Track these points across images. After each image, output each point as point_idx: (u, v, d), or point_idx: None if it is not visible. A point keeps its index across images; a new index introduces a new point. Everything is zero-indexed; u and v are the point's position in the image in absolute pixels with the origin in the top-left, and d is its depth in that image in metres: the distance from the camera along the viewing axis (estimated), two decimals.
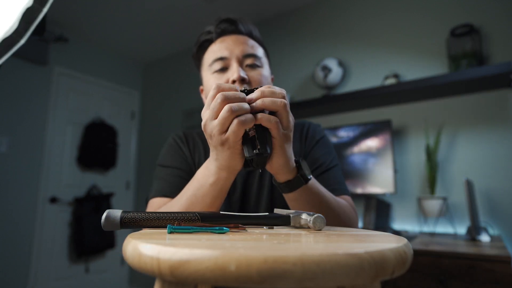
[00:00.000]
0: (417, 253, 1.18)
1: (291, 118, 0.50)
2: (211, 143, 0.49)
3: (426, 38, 1.81)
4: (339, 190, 0.70)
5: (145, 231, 0.43)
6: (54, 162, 2.59)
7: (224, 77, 0.68)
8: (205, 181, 0.54)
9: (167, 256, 0.28)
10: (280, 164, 0.52)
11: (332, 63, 1.99)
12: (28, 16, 0.50)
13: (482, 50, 1.60)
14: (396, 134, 1.83)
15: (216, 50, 0.71)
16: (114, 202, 2.96)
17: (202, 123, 0.48)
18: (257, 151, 0.48)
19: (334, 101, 1.85)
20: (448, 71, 1.70)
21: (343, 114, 2.05)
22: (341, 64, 1.99)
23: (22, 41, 0.51)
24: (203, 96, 0.78)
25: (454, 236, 1.49)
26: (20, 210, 2.35)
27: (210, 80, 0.71)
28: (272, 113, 0.49)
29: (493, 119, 1.59)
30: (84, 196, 2.67)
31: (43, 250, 2.45)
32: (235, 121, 0.44)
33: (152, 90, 3.32)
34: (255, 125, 0.47)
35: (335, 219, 0.60)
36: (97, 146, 2.80)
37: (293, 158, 0.54)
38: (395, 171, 1.68)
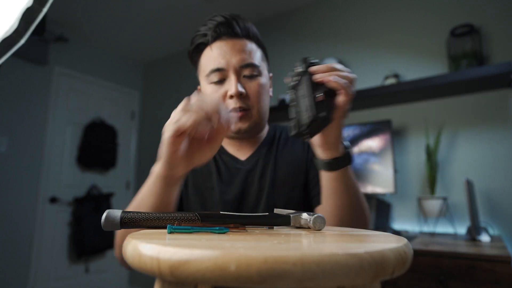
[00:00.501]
0: (417, 253, 1.18)
1: (352, 96, 0.51)
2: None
3: (426, 38, 1.81)
4: None
5: (145, 231, 0.43)
6: (54, 162, 2.59)
7: (222, 89, 0.69)
8: (150, 185, 0.55)
9: (167, 256, 0.28)
10: (334, 137, 0.52)
11: (332, 63, 1.98)
12: (28, 16, 0.50)
13: (482, 50, 1.60)
14: (396, 134, 1.83)
15: (212, 57, 0.69)
16: (114, 202, 2.96)
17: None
18: (324, 114, 0.47)
19: None
20: (448, 71, 1.70)
21: None
22: (341, 63, 1.99)
23: (22, 41, 0.51)
24: None
25: (454, 236, 1.49)
26: (20, 210, 2.35)
27: (208, 89, 0.71)
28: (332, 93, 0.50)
29: (493, 119, 1.59)
30: (84, 196, 2.67)
31: (43, 250, 2.45)
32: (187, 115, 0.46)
33: (152, 90, 3.32)
34: (324, 91, 0.48)
35: (361, 210, 0.60)
36: (97, 146, 2.80)
37: (341, 136, 0.54)
38: (395, 171, 1.68)
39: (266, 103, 0.73)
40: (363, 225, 0.61)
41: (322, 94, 0.48)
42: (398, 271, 0.30)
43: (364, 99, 1.78)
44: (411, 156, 1.78)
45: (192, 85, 2.92)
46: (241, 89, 0.67)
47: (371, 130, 1.73)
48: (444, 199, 1.55)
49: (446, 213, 1.59)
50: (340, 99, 0.49)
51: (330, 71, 0.50)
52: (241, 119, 0.69)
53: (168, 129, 0.47)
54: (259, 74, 0.71)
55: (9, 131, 2.33)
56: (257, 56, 0.72)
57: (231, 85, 0.67)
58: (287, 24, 2.41)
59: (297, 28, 2.35)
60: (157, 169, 0.53)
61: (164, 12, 2.45)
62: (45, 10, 0.51)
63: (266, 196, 0.72)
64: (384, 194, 1.70)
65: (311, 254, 0.26)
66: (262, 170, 0.73)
